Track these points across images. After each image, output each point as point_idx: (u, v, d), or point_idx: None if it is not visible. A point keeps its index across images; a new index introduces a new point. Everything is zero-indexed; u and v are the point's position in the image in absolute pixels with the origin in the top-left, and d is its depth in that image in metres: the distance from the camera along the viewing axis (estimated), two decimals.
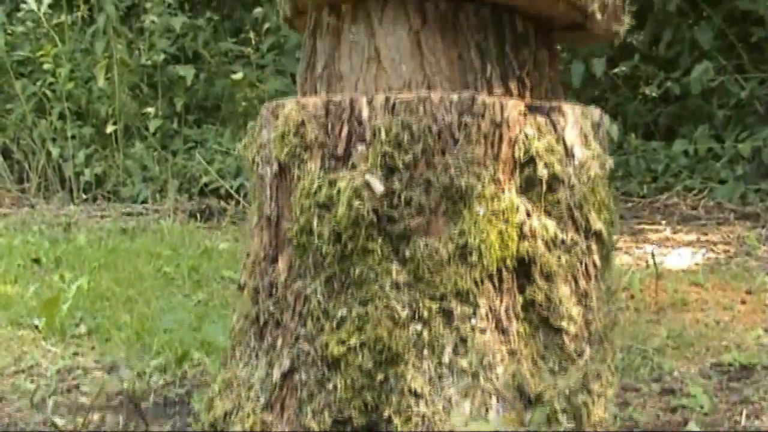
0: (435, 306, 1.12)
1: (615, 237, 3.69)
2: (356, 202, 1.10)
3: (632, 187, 4.64)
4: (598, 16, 1.29)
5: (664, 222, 4.04)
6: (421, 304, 1.12)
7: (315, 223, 1.13)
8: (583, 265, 1.19)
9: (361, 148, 1.11)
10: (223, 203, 4.70)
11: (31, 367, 2.17)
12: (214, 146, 5.17)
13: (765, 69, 4.88)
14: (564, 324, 1.16)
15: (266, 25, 6.44)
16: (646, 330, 2.42)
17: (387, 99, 1.10)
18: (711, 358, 2.23)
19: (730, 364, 2.17)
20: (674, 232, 3.83)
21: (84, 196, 5.38)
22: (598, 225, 1.22)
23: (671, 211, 4.29)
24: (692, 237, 3.72)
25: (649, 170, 4.73)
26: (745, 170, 4.55)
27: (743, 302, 2.68)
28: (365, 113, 1.11)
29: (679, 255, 3.33)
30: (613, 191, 4.10)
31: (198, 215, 4.56)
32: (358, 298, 1.13)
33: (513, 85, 1.26)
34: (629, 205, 4.48)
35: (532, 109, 1.15)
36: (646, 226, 4.02)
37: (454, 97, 1.11)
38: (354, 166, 1.12)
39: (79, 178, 5.50)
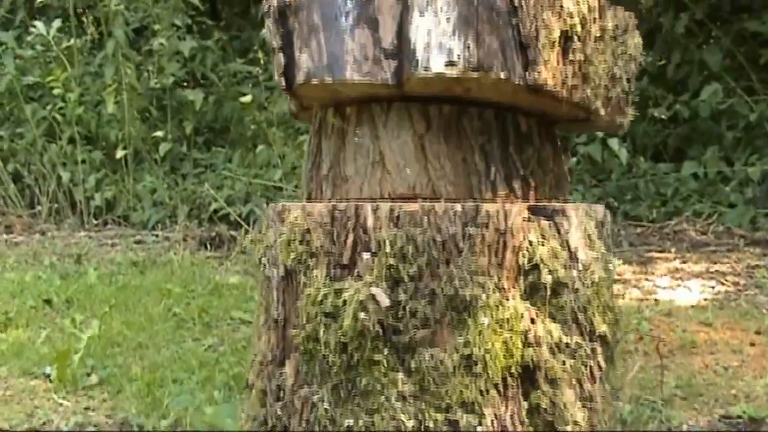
0: (440, 417, 1.13)
1: (623, 267, 3.68)
2: (362, 315, 1.11)
3: (641, 211, 4.64)
4: (602, 111, 1.29)
5: (673, 250, 4.04)
6: (426, 415, 1.13)
7: (321, 331, 1.14)
8: (588, 368, 1.20)
9: (366, 257, 1.12)
10: (232, 231, 4.71)
11: (44, 424, 2.19)
12: (223, 172, 5.19)
13: None
14: (569, 428, 1.17)
15: None
16: (654, 377, 2.42)
17: (392, 210, 1.11)
18: (720, 409, 2.23)
19: (739, 417, 2.17)
20: (683, 261, 3.82)
21: (95, 222, 5.41)
22: (602, 328, 1.22)
23: (680, 237, 4.29)
24: (701, 267, 3.72)
25: (659, 194, 4.72)
26: (755, 193, 4.54)
27: (752, 344, 2.68)
28: (370, 222, 1.12)
29: (688, 289, 3.33)
30: (621, 217, 4.09)
31: (208, 244, 4.57)
32: (364, 408, 1.13)
33: (517, 186, 1.26)
34: (639, 230, 4.48)
35: (536, 212, 1.16)
36: (656, 254, 4.02)
37: (458, 207, 1.12)
38: (359, 276, 1.13)
39: (89, 202, 5.52)
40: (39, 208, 5.65)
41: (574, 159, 5.07)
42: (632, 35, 1.38)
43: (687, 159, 4.92)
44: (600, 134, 4.84)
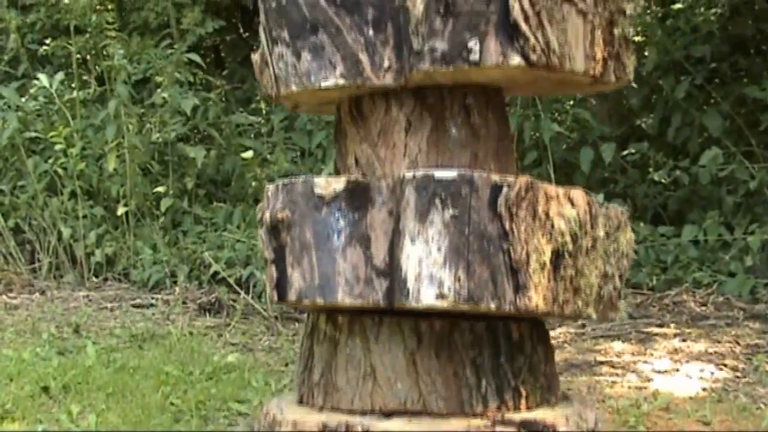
0: None
1: (622, 347, 3.67)
2: None
3: (641, 277, 4.64)
4: (593, 314, 1.30)
5: (672, 325, 4.03)
6: None
7: None
8: None
9: None
10: (233, 294, 4.71)
11: None
12: (223, 233, 5.19)
13: None
14: None
15: None
16: None
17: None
18: None
19: None
20: (683, 340, 3.82)
21: (95, 279, 5.42)
22: None
23: (680, 309, 4.29)
24: (701, 346, 3.71)
25: (659, 260, 4.72)
26: (755, 262, 4.54)
27: None
28: None
29: (688, 376, 3.32)
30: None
31: (207, 311, 4.57)
32: None
33: (508, 396, 1.27)
34: (639, 299, 4.48)
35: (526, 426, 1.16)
36: (655, 329, 4.02)
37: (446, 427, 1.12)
38: None
39: (89, 258, 5.53)
40: (39, 263, 5.66)
41: None
42: (624, 232, 1.38)
43: (687, 222, 4.92)
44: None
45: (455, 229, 1.17)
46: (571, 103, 5.43)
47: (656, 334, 3.94)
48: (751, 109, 5.08)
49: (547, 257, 1.19)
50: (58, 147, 5.62)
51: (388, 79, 1.50)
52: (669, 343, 3.75)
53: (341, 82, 1.52)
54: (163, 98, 5.82)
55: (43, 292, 5.17)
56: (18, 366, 3.44)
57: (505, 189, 1.25)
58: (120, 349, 3.76)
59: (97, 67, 6.28)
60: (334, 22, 1.53)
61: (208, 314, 4.54)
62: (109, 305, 4.74)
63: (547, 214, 1.23)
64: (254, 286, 4.76)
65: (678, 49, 5.04)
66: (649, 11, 5.44)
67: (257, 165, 5.67)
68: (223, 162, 6.00)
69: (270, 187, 1.48)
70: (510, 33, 1.38)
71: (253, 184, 5.72)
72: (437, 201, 1.23)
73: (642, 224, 4.88)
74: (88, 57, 6.45)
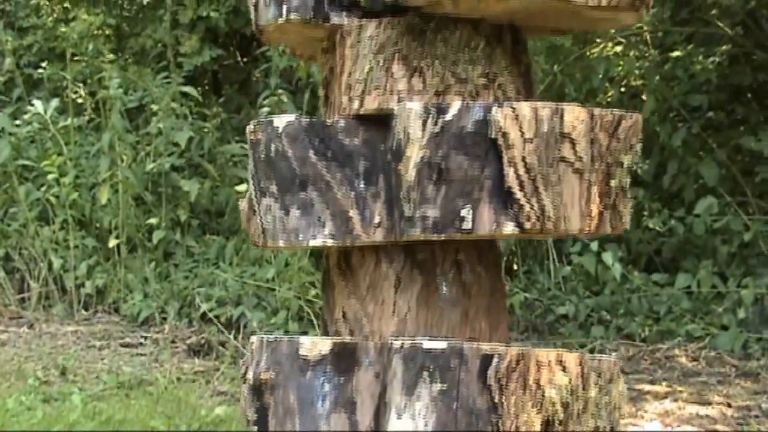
0: None
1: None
2: None
3: (634, 328, 4.62)
4: None
5: (664, 383, 4.01)
6: None
7: None
8: None
9: None
10: (223, 334, 4.68)
11: None
12: (215, 271, 5.16)
13: None
14: None
15: None
16: None
17: None
18: None
19: None
20: (674, 400, 3.80)
21: (84, 312, 5.38)
22: None
23: (672, 365, 4.27)
24: (692, 409, 3.69)
25: (652, 311, 4.70)
26: (747, 315, 4.52)
27: None
28: None
29: None
30: (614, 332, 4.06)
31: (196, 352, 4.54)
32: None
33: None
34: (631, 352, 4.45)
35: None
36: (646, 386, 3.99)
37: None
38: None
39: (80, 290, 5.49)
40: (28, 293, 5.62)
41: (568, 267, 5.05)
42: (617, 384, 1.36)
43: (681, 270, 4.91)
44: (594, 246, 4.83)
45: (443, 404, 1.15)
46: None
47: (647, 392, 3.91)
48: (747, 159, 5.07)
49: (537, 428, 1.17)
50: (50, 177, 5.58)
51: (378, 236, 1.48)
52: (660, 406, 3.73)
53: (330, 241, 1.51)
54: (158, 128, 5.79)
55: (31, 326, 5.13)
56: (1, 417, 3.40)
57: (495, 360, 1.24)
58: (106, 398, 3.72)
59: (92, 95, 6.26)
60: (324, 178, 1.51)
61: (197, 357, 4.50)
62: (97, 344, 4.70)
63: (538, 384, 1.22)
64: (245, 327, 4.73)
65: (676, 96, 5.03)
66: (647, 55, 5.43)
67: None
68: (217, 194, 5.97)
69: (254, 341, 1.46)
70: (504, 200, 1.36)
71: None
72: (425, 374, 1.21)
73: (636, 273, 4.86)
74: (84, 84, 6.42)
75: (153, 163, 5.69)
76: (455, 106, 1.40)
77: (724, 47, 5.08)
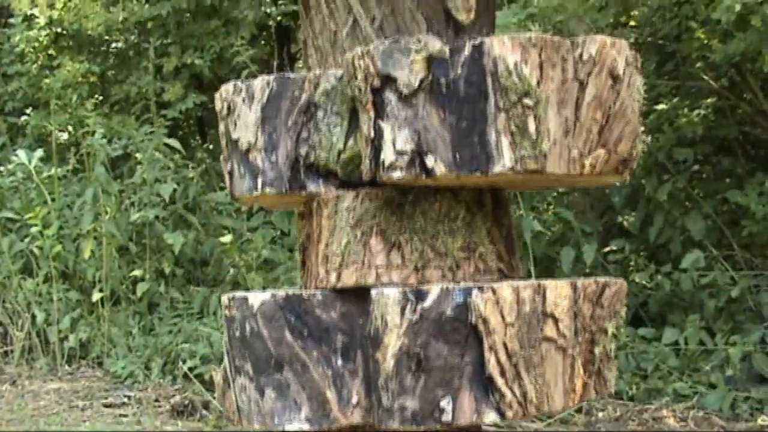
0: None
1: None
2: None
3: (622, 386, 4.58)
4: None
5: None
6: None
7: None
8: None
9: None
10: (207, 392, 4.63)
11: None
12: (199, 327, 5.11)
13: (755, 265, 4.86)
14: None
15: None
16: None
17: None
18: None
19: None
20: None
21: (67, 368, 5.33)
22: None
23: (660, 426, 4.23)
24: None
25: (639, 368, 4.67)
26: (735, 372, 4.49)
27: None
28: None
29: None
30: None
31: (180, 412, 4.49)
32: None
33: None
34: (618, 412, 4.42)
35: None
36: None
37: None
38: None
39: (63, 343, 5.44)
40: (11, 347, 5.57)
41: None
42: None
43: (668, 324, 4.88)
44: None
45: None
46: (554, 196, 5.40)
47: None
48: (734, 212, 5.06)
49: None
50: (34, 230, 5.54)
51: (356, 417, 1.45)
52: None
53: (306, 426, 1.49)
54: (143, 178, 5.76)
55: (14, 382, 5.07)
56: None
57: None
58: None
59: (76, 145, 6.23)
60: (300, 358, 1.49)
61: (180, 418, 4.45)
62: (80, 404, 4.64)
63: None
64: (228, 386, 4.67)
65: (661, 148, 5.02)
66: None
67: (236, 250, 5.61)
68: (202, 243, 5.94)
69: None
70: (485, 387, 1.34)
71: (231, 270, 5.65)
72: None
73: (622, 329, 4.83)
74: (68, 134, 6.40)
75: (137, 214, 5.65)
76: (434, 291, 1.38)
77: (709, 100, 5.09)
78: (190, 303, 5.58)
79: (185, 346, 4.94)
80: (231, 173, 1.71)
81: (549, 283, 1.41)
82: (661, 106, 5.11)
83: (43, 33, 6.63)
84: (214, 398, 4.52)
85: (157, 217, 5.79)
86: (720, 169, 5.15)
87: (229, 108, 1.68)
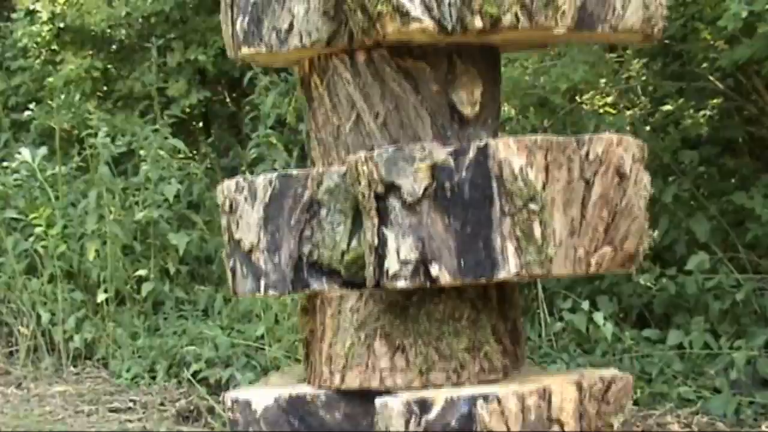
0: None
1: None
2: None
3: None
4: None
5: None
6: None
7: None
8: None
9: None
10: (213, 395, 4.64)
11: None
12: (204, 330, 5.11)
13: (761, 267, 4.84)
14: None
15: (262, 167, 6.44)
16: None
17: None
18: None
19: None
20: None
21: (73, 369, 5.34)
22: None
23: None
24: None
25: (644, 372, 4.67)
26: (740, 377, 4.49)
27: None
28: None
29: None
30: None
31: (185, 418, 4.51)
32: None
33: None
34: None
35: None
36: None
37: None
38: None
39: (68, 344, 5.45)
40: (16, 347, 5.58)
41: (560, 324, 5.02)
42: None
43: (673, 325, 4.88)
44: (585, 306, 4.81)
45: None
46: None
47: None
48: (739, 213, 5.03)
49: None
50: (38, 230, 5.55)
51: None
52: None
53: None
54: (147, 176, 5.75)
55: (19, 385, 5.09)
56: None
57: None
58: None
59: (80, 142, 6.22)
60: None
61: (186, 423, 4.47)
62: (86, 408, 4.66)
63: None
64: (234, 387, 4.69)
65: (666, 150, 5.00)
66: (638, 104, 5.40)
67: None
68: (207, 242, 5.94)
69: None
70: None
71: None
72: None
73: (627, 332, 4.83)
74: (71, 132, 6.38)
75: (141, 213, 5.64)
76: (438, 402, 1.37)
77: (715, 100, 5.05)
78: (195, 303, 5.59)
79: (190, 348, 4.95)
80: (233, 271, 1.70)
81: (554, 386, 1.40)
82: (666, 107, 5.08)
83: (46, 28, 6.58)
84: (219, 403, 4.53)
85: (161, 216, 5.79)
86: (726, 170, 5.12)
87: (231, 206, 1.67)
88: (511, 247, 1.38)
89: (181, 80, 6.52)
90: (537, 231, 1.39)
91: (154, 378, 5.03)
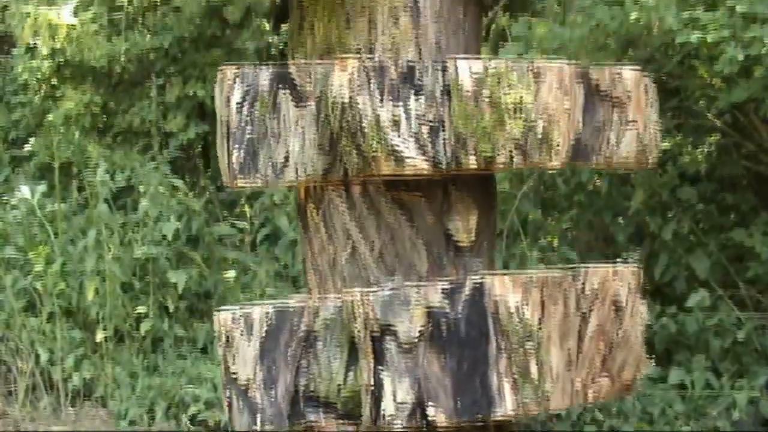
0: None
1: None
2: None
3: (627, 429, 4.56)
4: None
5: None
6: None
7: None
8: None
9: None
10: None
11: None
12: (203, 370, 5.09)
13: (762, 304, 4.83)
14: None
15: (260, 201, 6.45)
16: None
17: None
18: None
19: None
20: None
21: (71, 409, 5.32)
22: None
23: None
24: None
25: (645, 412, 4.65)
26: (741, 416, 4.46)
27: None
28: None
29: None
30: None
31: None
32: None
33: None
34: None
35: None
36: None
37: None
38: None
39: (67, 383, 5.43)
40: (15, 386, 5.56)
41: None
42: None
43: (674, 363, 4.86)
44: None
45: None
46: (558, 233, 5.38)
47: None
48: (739, 248, 5.01)
49: None
50: (37, 269, 5.54)
51: None
52: None
53: None
54: (146, 212, 5.75)
55: (17, 427, 5.06)
56: None
57: None
58: None
59: (78, 178, 6.22)
60: None
61: None
62: None
63: None
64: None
65: (665, 186, 4.99)
66: None
67: (239, 288, 5.61)
68: (206, 278, 5.93)
69: None
70: None
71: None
72: None
73: None
74: (70, 168, 6.38)
75: (140, 250, 5.63)
76: None
77: (713, 137, 5.05)
78: (195, 340, 5.57)
79: (189, 390, 4.93)
80: (230, 404, 1.69)
81: None
82: (664, 144, 5.07)
83: (46, 63, 6.59)
84: None
85: (160, 253, 5.78)
86: (725, 206, 5.11)
87: (227, 339, 1.65)
88: (507, 386, 1.38)
89: (180, 115, 6.52)
90: (533, 368, 1.39)
91: (153, 419, 5.00)
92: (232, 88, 1.57)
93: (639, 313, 1.53)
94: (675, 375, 4.72)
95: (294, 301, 1.66)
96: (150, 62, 6.62)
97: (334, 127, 1.51)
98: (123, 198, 6.38)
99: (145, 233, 5.68)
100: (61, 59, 6.66)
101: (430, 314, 1.43)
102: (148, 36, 6.49)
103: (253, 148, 1.56)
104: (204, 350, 5.54)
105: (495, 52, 5.35)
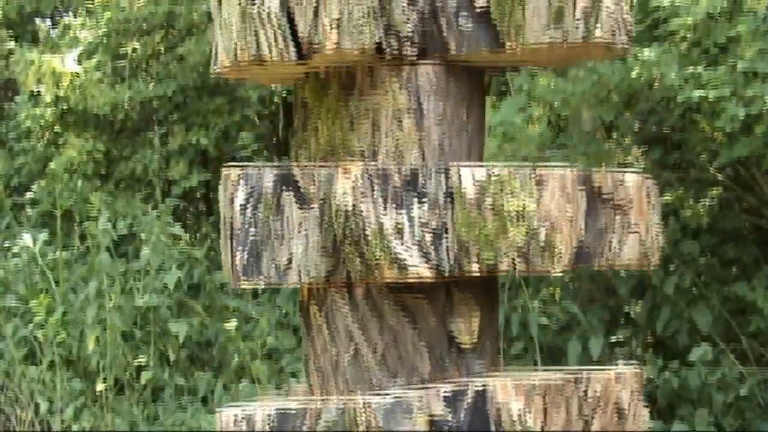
0: None
1: None
2: None
3: None
4: None
5: None
6: None
7: None
8: None
9: None
10: None
11: None
12: (203, 422, 5.07)
13: (764, 358, 4.81)
14: None
15: None
16: None
17: None
18: None
19: None
20: None
21: None
22: None
23: None
24: None
25: None
26: None
27: None
28: None
29: None
30: None
31: None
32: None
33: None
34: None
35: None
36: None
37: None
38: None
39: None
40: None
41: None
42: None
43: (677, 417, 4.83)
44: None
45: None
46: (560, 285, 5.37)
47: None
48: (741, 300, 5.01)
49: None
50: (37, 319, 5.53)
51: None
52: None
53: None
54: (148, 264, 5.75)
55: None
56: None
57: None
58: None
59: (80, 226, 6.23)
60: None
61: None
62: None
63: None
64: None
65: (666, 240, 4.99)
66: None
67: (240, 338, 5.59)
68: (207, 327, 5.92)
69: None
70: None
71: (236, 357, 5.63)
72: None
73: None
74: (72, 216, 6.40)
75: (142, 299, 5.63)
76: None
77: (714, 191, 5.06)
78: (195, 391, 5.55)
79: None
80: None
81: None
82: (666, 197, 5.08)
83: (49, 110, 6.63)
84: None
85: (162, 303, 5.77)
86: (726, 259, 5.11)
87: None
88: None
89: (182, 162, 6.55)
90: None
91: None
92: (236, 188, 1.58)
93: (641, 418, 1.53)
94: (678, 430, 4.70)
95: (296, 398, 1.65)
96: (153, 110, 6.66)
97: (337, 233, 1.52)
98: (124, 246, 6.38)
99: (147, 282, 5.68)
100: (65, 106, 6.71)
101: (433, 422, 1.43)
102: (152, 84, 6.53)
103: (256, 249, 1.57)
104: (204, 401, 5.52)
105: (497, 104, 5.38)
